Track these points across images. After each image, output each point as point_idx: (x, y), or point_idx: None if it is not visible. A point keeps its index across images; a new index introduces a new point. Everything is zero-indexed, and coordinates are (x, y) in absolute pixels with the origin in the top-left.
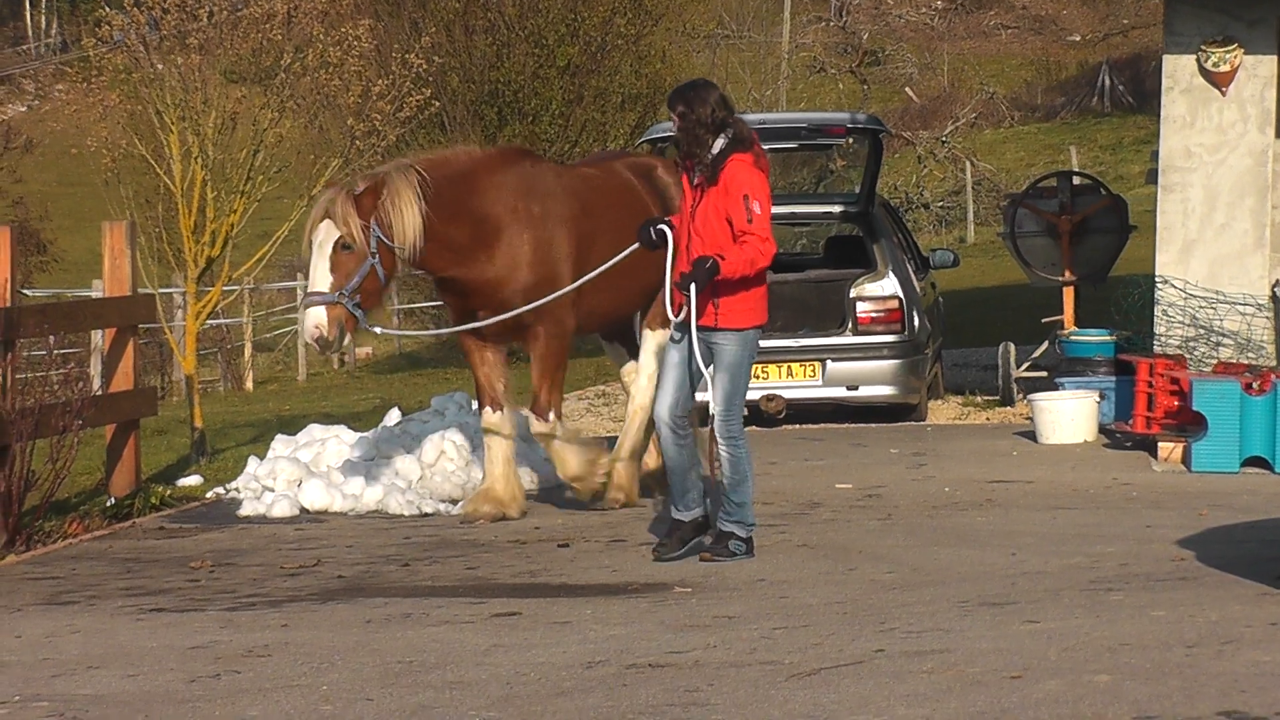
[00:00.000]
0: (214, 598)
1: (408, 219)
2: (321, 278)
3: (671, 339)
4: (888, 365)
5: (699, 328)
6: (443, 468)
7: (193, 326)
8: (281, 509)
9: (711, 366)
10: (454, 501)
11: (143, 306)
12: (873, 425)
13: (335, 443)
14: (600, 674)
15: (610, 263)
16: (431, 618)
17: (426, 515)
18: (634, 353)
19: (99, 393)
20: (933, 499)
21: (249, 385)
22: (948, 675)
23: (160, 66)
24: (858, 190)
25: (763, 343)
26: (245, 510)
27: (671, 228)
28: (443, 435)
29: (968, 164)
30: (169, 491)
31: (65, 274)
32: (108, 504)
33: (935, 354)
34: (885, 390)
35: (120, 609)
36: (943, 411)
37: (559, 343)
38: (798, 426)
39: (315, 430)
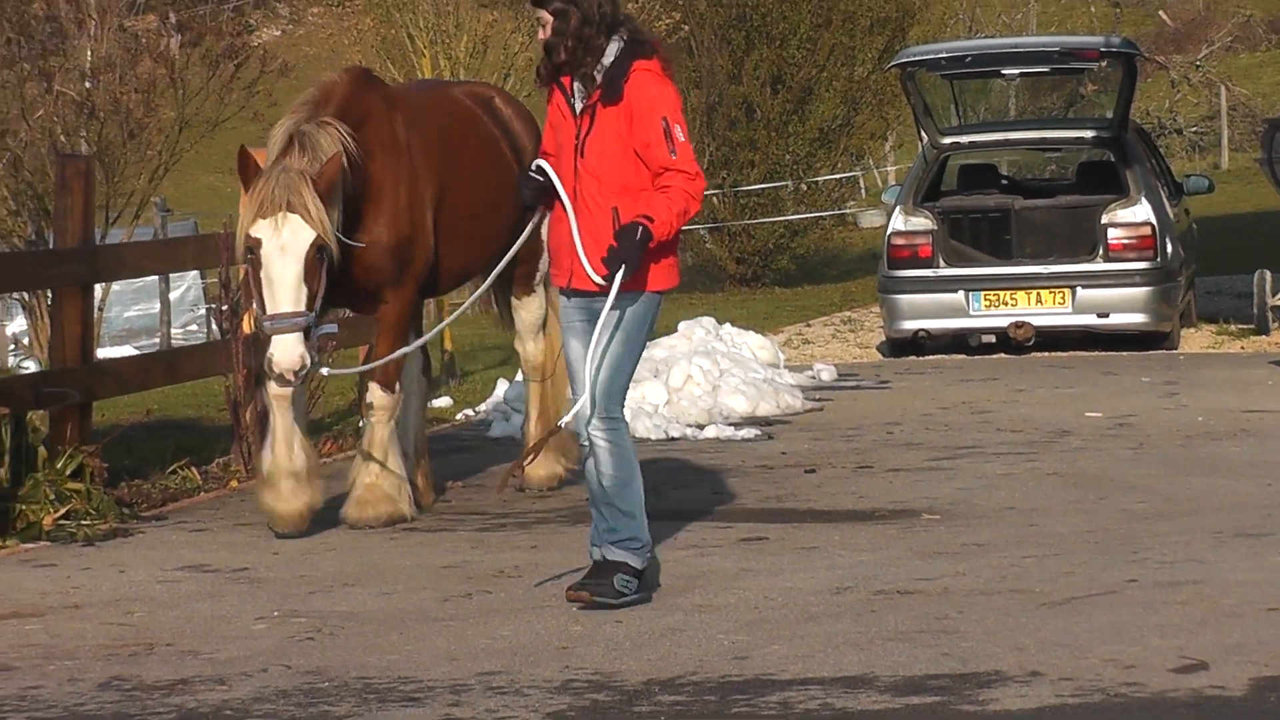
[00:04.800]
0: (465, 518)
1: (339, 202)
2: (295, 292)
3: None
4: (1139, 292)
5: (589, 294)
6: (689, 392)
7: None
8: None
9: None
10: (700, 426)
11: None
12: (1124, 353)
13: None
14: (849, 600)
15: (519, 242)
16: (679, 541)
17: (673, 439)
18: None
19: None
20: (1185, 428)
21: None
22: (1202, 607)
23: None
24: (1110, 115)
25: (1014, 269)
26: (494, 432)
27: (544, 174)
28: (689, 359)
29: (1222, 89)
30: None
31: None
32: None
33: (1188, 281)
34: (1137, 318)
35: (373, 529)
36: (1195, 340)
37: (413, 305)
38: (1047, 354)
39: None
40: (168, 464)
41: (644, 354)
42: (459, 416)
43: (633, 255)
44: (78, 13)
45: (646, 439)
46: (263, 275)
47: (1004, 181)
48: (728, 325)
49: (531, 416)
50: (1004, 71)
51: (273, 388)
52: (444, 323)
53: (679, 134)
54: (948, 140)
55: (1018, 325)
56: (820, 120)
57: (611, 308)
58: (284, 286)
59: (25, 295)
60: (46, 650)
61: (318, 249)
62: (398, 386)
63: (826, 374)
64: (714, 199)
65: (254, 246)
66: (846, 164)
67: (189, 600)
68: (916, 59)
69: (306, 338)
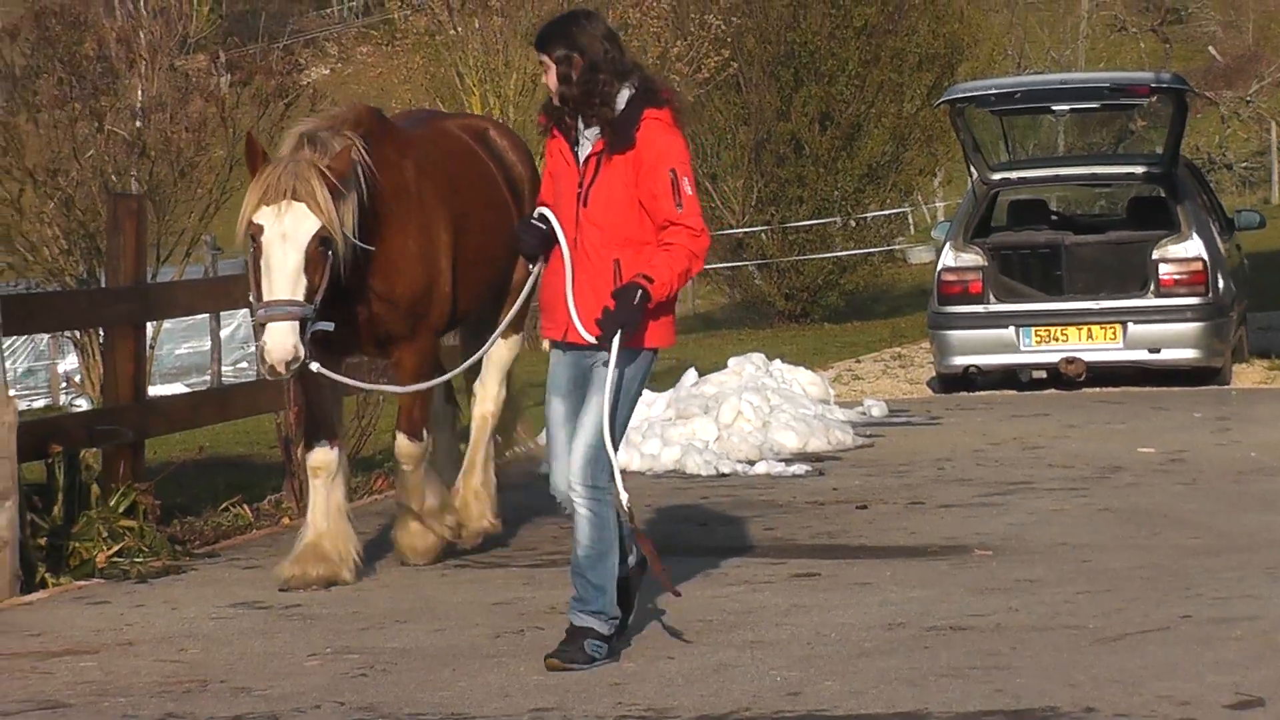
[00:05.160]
0: (516, 554)
1: (352, 205)
2: (293, 281)
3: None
4: (1191, 328)
5: (582, 349)
6: (740, 428)
7: None
8: None
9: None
10: (750, 462)
11: None
12: (1175, 389)
13: None
14: (901, 636)
15: (524, 293)
16: (730, 577)
17: (723, 475)
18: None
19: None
20: (1238, 464)
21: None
22: (1257, 642)
23: (461, 29)
24: (1160, 151)
25: (1065, 305)
26: (545, 469)
27: (546, 222)
28: (740, 395)
29: (1273, 124)
30: None
31: None
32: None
33: (1240, 316)
34: (1188, 353)
35: (425, 564)
36: (1248, 375)
37: (432, 355)
38: (1098, 390)
39: None
40: (219, 501)
41: (694, 390)
42: (509, 453)
43: (630, 318)
44: (129, 53)
45: (697, 475)
46: (262, 263)
47: (1054, 217)
48: (777, 361)
49: (472, 468)
50: (1054, 108)
51: (311, 459)
52: (450, 373)
53: (686, 187)
54: (997, 176)
55: (1069, 361)
56: (869, 156)
57: (613, 370)
58: (282, 274)
59: (77, 334)
60: (101, 687)
61: (321, 240)
62: (425, 434)
63: (877, 410)
64: (763, 235)
65: (255, 234)
66: (895, 200)
67: (242, 637)
68: (966, 95)
69: (303, 331)
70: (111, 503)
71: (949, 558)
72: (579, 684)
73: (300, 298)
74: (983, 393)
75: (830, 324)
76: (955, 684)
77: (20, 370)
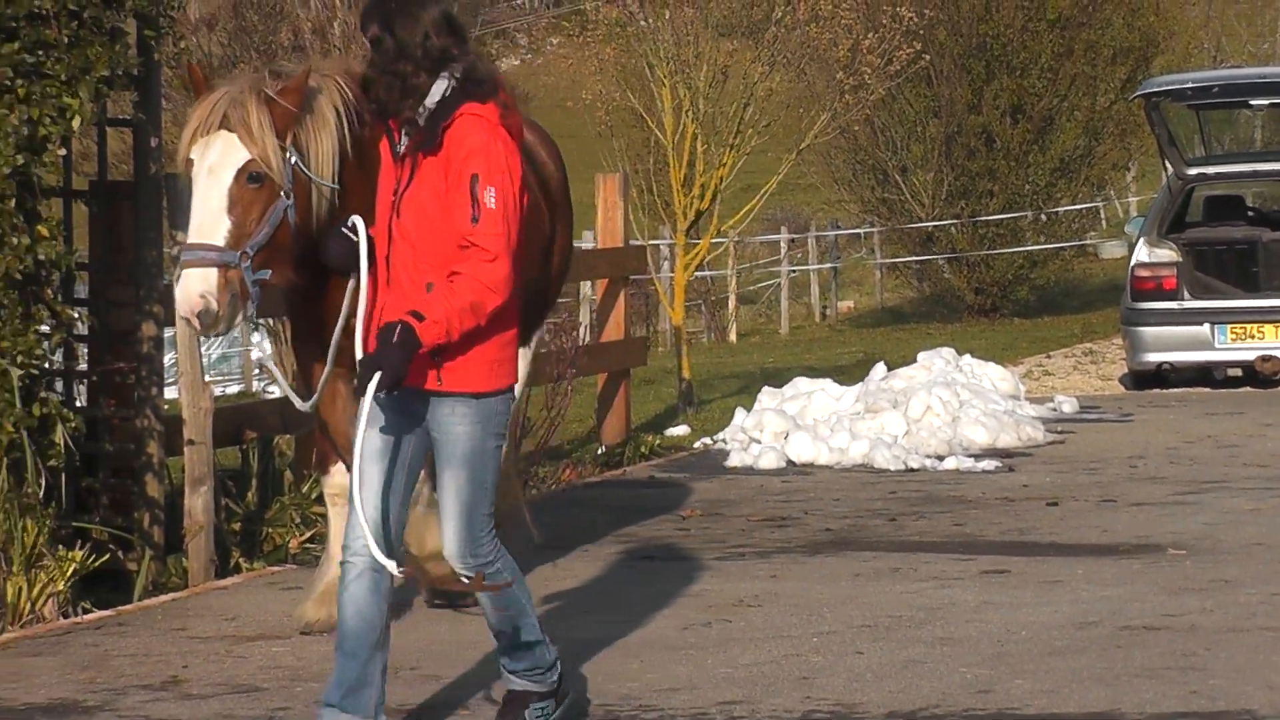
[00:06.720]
0: (703, 547)
1: (326, 144)
2: (213, 222)
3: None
4: None
5: (409, 390)
6: (929, 423)
7: (681, 278)
8: (768, 461)
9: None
10: (939, 457)
11: (634, 258)
12: None
13: (821, 396)
14: (1093, 635)
15: (344, 313)
16: (920, 573)
17: (912, 470)
18: None
19: (590, 342)
20: None
21: (732, 337)
22: None
23: (653, 20)
24: None
25: (1261, 301)
26: (733, 461)
27: (356, 231)
28: (929, 390)
29: None
30: (658, 441)
31: None
32: (599, 451)
33: None
34: None
35: (612, 555)
36: None
37: None
38: None
39: (801, 383)
40: None
41: (883, 384)
42: (697, 445)
43: (388, 361)
44: (323, 43)
45: (885, 469)
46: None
47: (1250, 213)
48: (967, 356)
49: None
50: (1252, 102)
51: (328, 484)
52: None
53: (489, 198)
54: (1193, 171)
55: (1265, 359)
56: (1061, 150)
57: (364, 417)
58: (201, 213)
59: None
60: (293, 672)
61: (250, 175)
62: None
63: (1068, 406)
64: (952, 229)
65: (188, 170)
66: (1087, 194)
67: (431, 624)
68: (1162, 89)
69: (238, 284)
70: (304, 489)
71: (1142, 556)
72: (766, 678)
73: (219, 242)
74: (1176, 390)
75: (1020, 319)
76: (1149, 684)
77: (215, 357)
